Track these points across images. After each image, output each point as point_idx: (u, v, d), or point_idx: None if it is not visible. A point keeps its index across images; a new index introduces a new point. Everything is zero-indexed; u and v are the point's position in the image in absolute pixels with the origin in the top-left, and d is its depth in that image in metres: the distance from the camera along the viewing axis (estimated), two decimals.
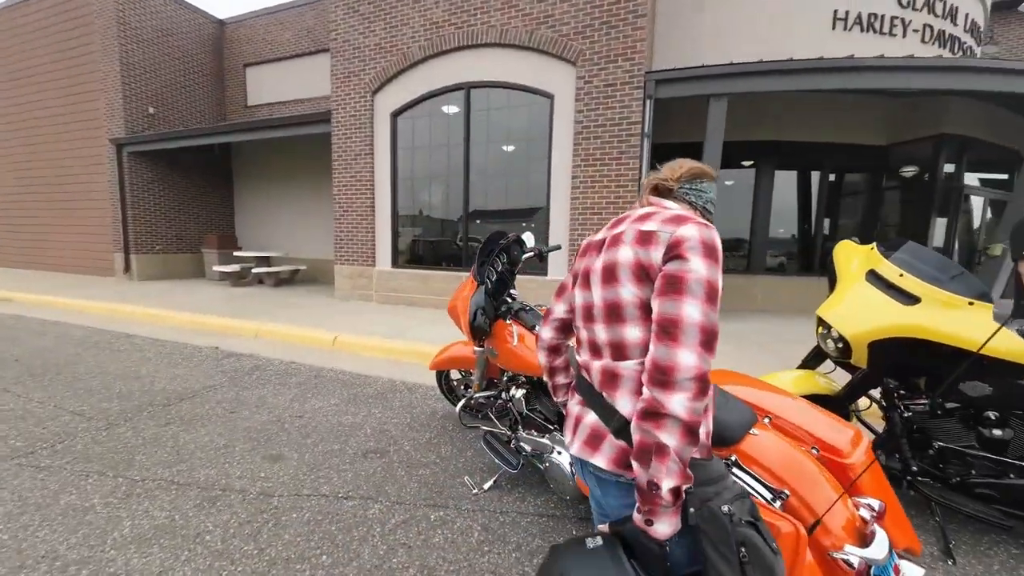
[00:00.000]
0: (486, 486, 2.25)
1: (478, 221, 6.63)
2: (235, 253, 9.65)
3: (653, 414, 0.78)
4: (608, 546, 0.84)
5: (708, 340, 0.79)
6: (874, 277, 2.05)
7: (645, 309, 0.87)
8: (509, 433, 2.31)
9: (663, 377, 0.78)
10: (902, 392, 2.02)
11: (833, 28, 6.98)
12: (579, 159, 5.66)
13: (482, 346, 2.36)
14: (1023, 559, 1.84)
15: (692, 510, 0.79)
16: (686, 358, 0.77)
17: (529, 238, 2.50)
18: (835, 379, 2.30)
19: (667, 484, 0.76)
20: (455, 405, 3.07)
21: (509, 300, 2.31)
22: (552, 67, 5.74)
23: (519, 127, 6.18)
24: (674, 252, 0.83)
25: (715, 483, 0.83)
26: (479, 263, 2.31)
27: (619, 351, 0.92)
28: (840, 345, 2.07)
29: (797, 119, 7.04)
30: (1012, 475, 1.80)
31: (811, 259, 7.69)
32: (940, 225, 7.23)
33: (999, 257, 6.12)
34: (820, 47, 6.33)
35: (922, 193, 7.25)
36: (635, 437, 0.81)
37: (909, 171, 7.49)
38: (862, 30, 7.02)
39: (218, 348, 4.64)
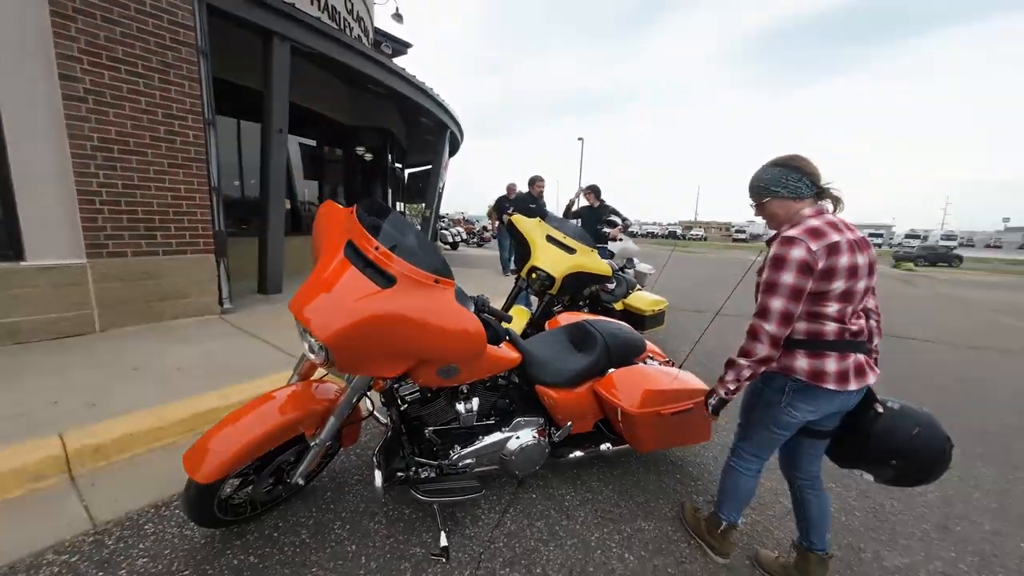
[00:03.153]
0: (443, 542, 1.70)
1: None
2: None
3: None
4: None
5: None
6: (550, 240, 3.39)
7: None
8: (440, 463, 1.78)
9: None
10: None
11: (311, 3, 7.57)
12: (76, 49, 3.18)
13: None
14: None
15: None
16: None
17: None
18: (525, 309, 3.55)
19: None
20: (235, 521, 1.68)
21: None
22: None
23: None
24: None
25: None
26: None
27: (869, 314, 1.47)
28: (548, 283, 3.29)
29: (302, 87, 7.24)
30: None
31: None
32: (388, 192, 10.21)
33: (426, 215, 9.81)
34: None
35: (375, 167, 9.84)
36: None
37: (361, 150, 9.83)
38: (330, 16, 8.09)
39: None
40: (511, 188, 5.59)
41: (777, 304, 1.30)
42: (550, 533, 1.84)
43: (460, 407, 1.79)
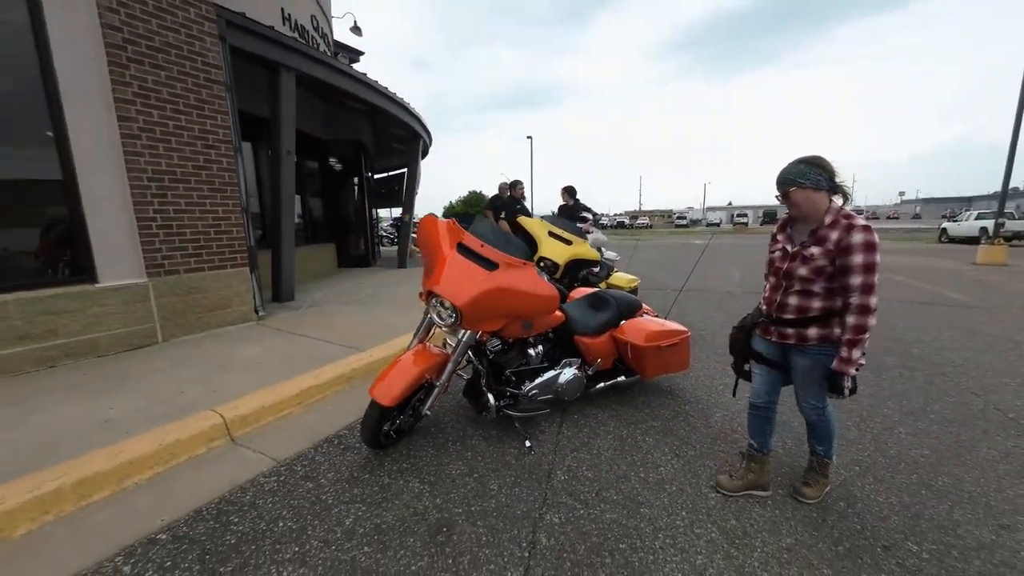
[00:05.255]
0: (527, 444, 2.49)
1: None
2: None
3: None
4: None
5: None
6: (550, 235, 4.24)
7: None
8: (517, 391, 2.57)
9: None
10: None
11: (283, 24, 7.91)
12: (131, 92, 3.60)
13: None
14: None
15: None
16: None
17: None
18: None
19: None
20: (384, 445, 2.39)
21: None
22: None
23: None
24: None
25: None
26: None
27: None
28: (553, 269, 4.13)
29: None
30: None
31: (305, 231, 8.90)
32: (365, 199, 10.60)
33: (406, 220, 10.34)
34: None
35: (348, 177, 10.22)
36: None
37: (334, 161, 10.19)
38: (300, 35, 8.45)
39: None
40: (503, 187, 6.31)
41: (876, 280, 1.55)
42: (593, 434, 2.69)
43: (531, 352, 2.60)
